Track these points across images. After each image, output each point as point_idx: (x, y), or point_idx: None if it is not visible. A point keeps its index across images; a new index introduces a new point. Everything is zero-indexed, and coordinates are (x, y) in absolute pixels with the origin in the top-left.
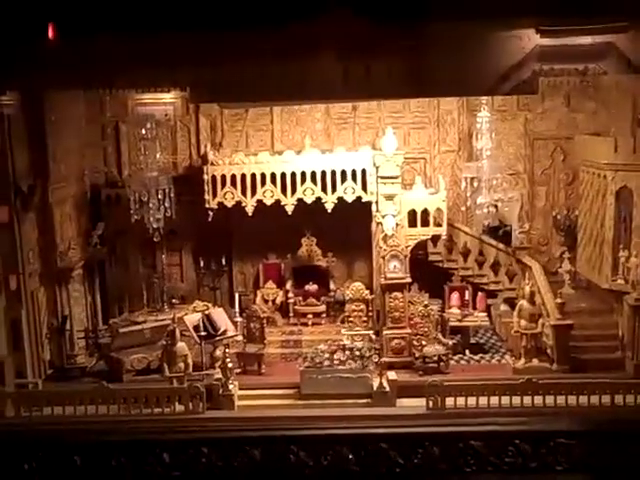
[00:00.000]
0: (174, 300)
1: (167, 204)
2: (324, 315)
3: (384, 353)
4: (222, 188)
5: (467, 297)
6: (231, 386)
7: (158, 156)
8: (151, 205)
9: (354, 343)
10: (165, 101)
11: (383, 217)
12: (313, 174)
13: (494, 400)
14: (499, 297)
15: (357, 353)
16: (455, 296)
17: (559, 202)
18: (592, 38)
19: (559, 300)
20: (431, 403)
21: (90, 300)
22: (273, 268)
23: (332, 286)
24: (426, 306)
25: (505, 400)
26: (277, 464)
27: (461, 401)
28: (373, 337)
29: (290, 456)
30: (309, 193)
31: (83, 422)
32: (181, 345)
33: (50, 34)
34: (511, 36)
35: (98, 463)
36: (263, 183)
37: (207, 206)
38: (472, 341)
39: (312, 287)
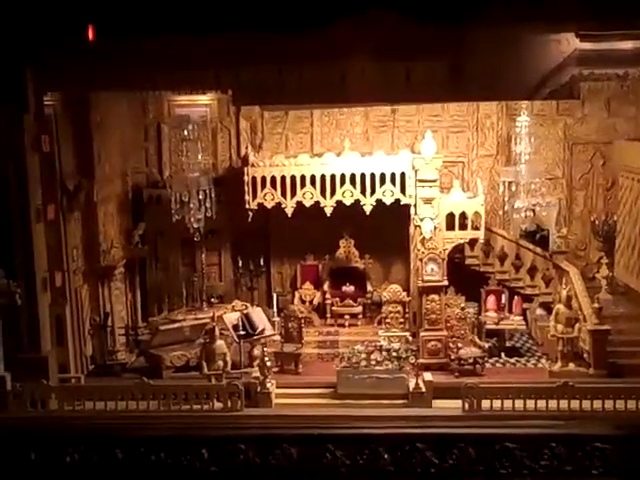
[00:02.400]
0: (213, 299)
1: (208, 204)
2: (361, 316)
3: (420, 354)
4: (262, 189)
5: (503, 301)
6: (269, 384)
7: (199, 157)
8: (192, 205)
9: (391, 344)
10: (202, 102)
11: (421, 220)
12: (352, 176)
13: (530, 403)
14: (535, 301)
15: (394, 354)
16: (491, 299)
17: (597, 207)
18: (633, 42)
19: (596, 305)
20: (467, 405)
21: (130, 298)
22: (311, 269)
23: (369, 288)
24: (463, 309)
25: (541, 403)
26: (313, 462)
27: (497, 404)
28: (410, 339)
29: (326, 455)
30: (348, 195)
31: (124, 417)
32: (220, 343)
33: (94, 35)
34: (550, 40)
35: (138, 457)
36: (303, 185)
37: (247, 207)
38: (508, 344)
39: (349, 288)
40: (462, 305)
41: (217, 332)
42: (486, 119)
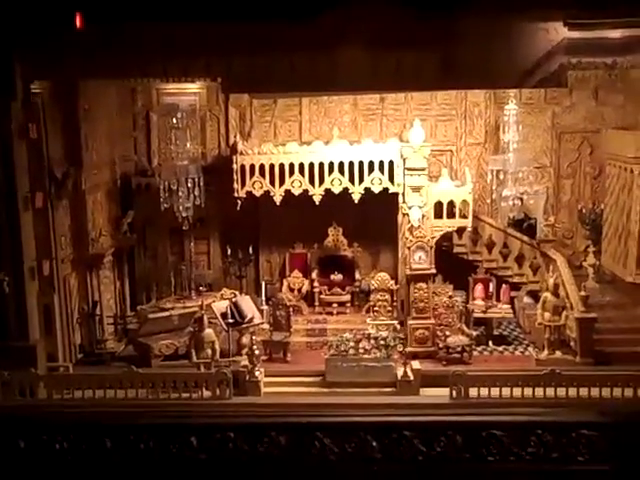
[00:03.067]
0: (201, 288)
1: (196, 193)
2: (349, 304)
3: (408, 343)
4: (251, 178)
5: (491, 289)
6: (257, 373)
7: (188, 145)
8: (180, 194)
9: (379, 332)
10: (190, 91)
11: (409, 208)
12: (341, 165)
13: (517, 391)
14: (523, 289)
15: (382, 342)
16: (479, 288)
17: (585, 196)
18: (621, 31)
19: (583, 293)
20: (455, 393)
21: (119, 286)
22: (299, 257)
23: (357, 276)
24: (450, 297)
25: (528, 391)
26: (302, 450)
27: (484, 391)
28: (398, 327)
29: (315, 442)
30: (337, 184)
31: (113, 406)
32: (208, 332)
33: (82, 23)
34: (539, 29)
35: (127, 446)
36: (291, 173)
37: (235, 195)
38: (495, 333)
39: (337, 277)
40: (450, 293)
41: (206, 320)
42: (474, 107)
